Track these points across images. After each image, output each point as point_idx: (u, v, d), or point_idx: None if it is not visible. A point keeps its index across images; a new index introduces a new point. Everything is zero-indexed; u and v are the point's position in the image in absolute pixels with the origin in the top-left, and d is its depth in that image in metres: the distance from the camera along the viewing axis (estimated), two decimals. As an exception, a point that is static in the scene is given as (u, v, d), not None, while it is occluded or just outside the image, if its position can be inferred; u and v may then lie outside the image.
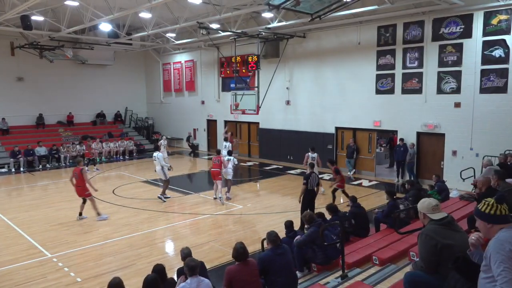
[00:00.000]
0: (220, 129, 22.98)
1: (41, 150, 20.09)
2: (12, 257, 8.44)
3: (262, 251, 7.05)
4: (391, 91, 15.34)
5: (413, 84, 14.70)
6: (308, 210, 7.97)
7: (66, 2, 13.97)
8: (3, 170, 18.93)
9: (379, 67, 15.59)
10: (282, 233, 6.63)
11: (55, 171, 19.19)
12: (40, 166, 19.70)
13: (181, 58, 25.06)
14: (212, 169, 12.63)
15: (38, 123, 23.15)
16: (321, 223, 6.92)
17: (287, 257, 5.47)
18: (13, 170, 18.98)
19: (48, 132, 22.99)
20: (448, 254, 3.45)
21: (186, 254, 5.37)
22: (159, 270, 5.17)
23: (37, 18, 16.08)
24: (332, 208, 8.13)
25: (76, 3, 14.14)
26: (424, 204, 3.82)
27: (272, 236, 5.46)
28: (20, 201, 13.44)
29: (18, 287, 7.12)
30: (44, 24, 17.82)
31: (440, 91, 14.01)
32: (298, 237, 6.92)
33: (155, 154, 13.22)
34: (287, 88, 19.11)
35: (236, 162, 14.16)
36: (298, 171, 17.52)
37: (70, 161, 20.58)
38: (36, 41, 19.82)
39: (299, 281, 6.30)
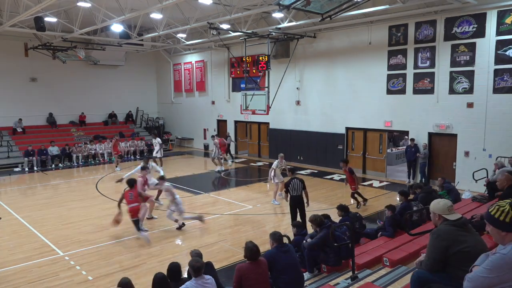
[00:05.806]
0: (230, 129, 23.03)
1: (54, 150, 20.34)
2: (25, 255, 8.57)
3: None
4: (402, 91, 15.21)
5: (424, 84, 14.55)
6: (316, 214, 7.86)
7: (78, 4, 14.11)
8: (17, 169, 19.25)
9: (390, 67, 15.47)
10: (289, 234, 6.61)
11: (67, 170, 19.44)
12: (53, 166, 19.96)
13: (192, 58, 25.18)
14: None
15: (49, 122, 23.48)
16: (331, 224, 6.88)
17: (292, 255, 5.51)
18: (26, 169, 19.27)
19: (60, 132, 23.30)
20: (459, 256, 3.41)
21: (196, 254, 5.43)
22: (173, 268, 5.17)
23: (50, 19, 16.28)
24: (343, 207, 8.08)
25: (88, 5, 14.28)
26: (439, 204, 3.71)
27: (276, 235, 5.51)
28: (33, 200, 13.64)
29: (31, 285, 7.23)
30: (57, 25, 18.04)
31: (452, 91, 13.85)
32: (308, 240, 6.82)
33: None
34: (297, 88, 19.07)
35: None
36: (308, 171, 17.47)
37: (82, 160, 20.83)
38: (49, 42, 20.06)
39: (309, 282, 6.28)
